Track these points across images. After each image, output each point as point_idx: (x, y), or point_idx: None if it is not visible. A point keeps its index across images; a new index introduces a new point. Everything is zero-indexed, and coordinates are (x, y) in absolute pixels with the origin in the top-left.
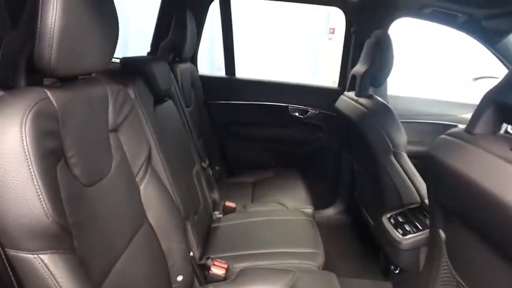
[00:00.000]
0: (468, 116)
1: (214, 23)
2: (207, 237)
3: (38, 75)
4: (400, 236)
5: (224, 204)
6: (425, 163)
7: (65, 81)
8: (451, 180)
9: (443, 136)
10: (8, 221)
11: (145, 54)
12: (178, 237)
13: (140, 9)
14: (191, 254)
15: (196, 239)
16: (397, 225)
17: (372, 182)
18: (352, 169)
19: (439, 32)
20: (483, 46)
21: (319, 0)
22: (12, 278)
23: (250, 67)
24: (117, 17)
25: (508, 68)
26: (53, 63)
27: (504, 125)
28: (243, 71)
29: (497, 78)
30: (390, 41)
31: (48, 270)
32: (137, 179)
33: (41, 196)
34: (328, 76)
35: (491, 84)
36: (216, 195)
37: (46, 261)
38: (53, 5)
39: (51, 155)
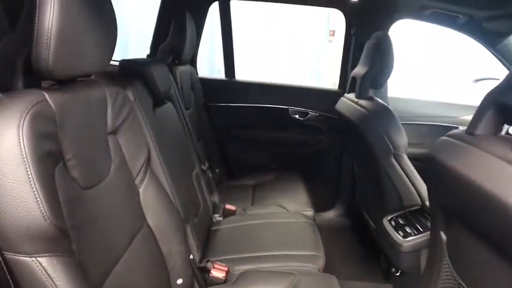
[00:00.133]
0: (469, 117)
1: (214, 23)
2: (207, 240)
3: (36, 77)
4: (401, 238)
5: (224, 207)
6: (426, 165)
7: (63, 83)
8: (452, 181)
9: (444, 138)
10: (5, 224)
11: (145, 56)
12: (177, 240)
13: (139, 10)
14: (191, 256)
15: (196, 241)
16: (397, 228)
17: (372, 184)
18: (353, 171)
19: (440, 33)
20: (484, 47)
21: (319, 2)
22: (10, 281)
23: (250, 69)
24: (115, 18)
25: (508, 69)
26: (51, 65)
27: (505, 126)
28: (243, 74)
29: (498, 79)
30: (390, 43)
31: (46, 273)
32: (136, 182)
33: (38, 199)
34: (328, 78)
35: (492, 85)
36: (216, 197)
37: (44, 264)
38: (50, 6)
39: (49, 157)
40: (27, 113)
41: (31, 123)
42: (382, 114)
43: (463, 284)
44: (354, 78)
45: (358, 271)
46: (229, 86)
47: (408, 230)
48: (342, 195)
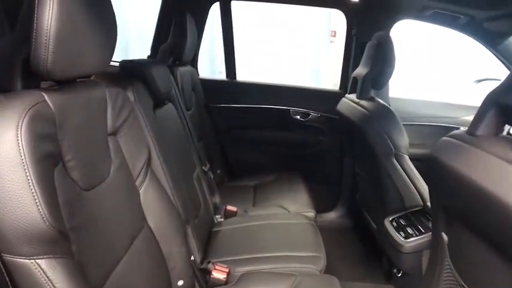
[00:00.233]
0: (470, 118)
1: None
2: (208, 241)
3: (35, 78)
4: (403, 239)
5: (225, 208)
6: (427, 165)
7: (62, 84)
8: (453, 182)
9: (445, 138)
10: (4, 225)
11: (145, 57)
12: (178, 241)
13: (140, 10)
14: (192, 258)
15: (197, 243)
16: (399, 228)
17: (373, 185)
18: (354, 172)
19: (441, 34)
20: (485, 48)
21: (320, 2)
22: (9, 283)
23: (251, 70)
24: (115, 19)
25: (510, 70)
26: (50, 65)
27: (506, 127)
28: (244, 74)
29: (499, 80)
30: (391, 43)
31: (45, 275)
32: (137, 183)
33: (37, 200)
34: (329, 79)
35: (493, 86)
36: (217, 199)
37: (43, 266)
38: (49, 6)
39: (48, 158)
40: (25, 114)
41: (30, 124)
42: (384, 115)
43: (465, 285)
44: (355, 79)
45: (359, 272)
46: (230, 87)
47: (410, 230)
48: (343, 196)
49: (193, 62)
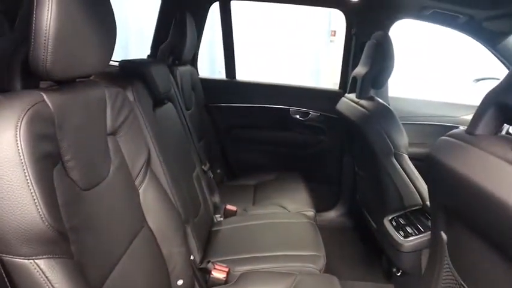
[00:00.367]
0: (469, 117)
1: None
2: (208, 241)
3: (34, 78)
4: (402, 238)
5: (225, 208)
6: (426, 165)
7: (62, 84)
8: (452, 181)
9: (444, 137)
10: (3, 226)
11: (145, 56)
12: (178, 241)
13: (140, 9)
14: (192, 257)
15: (197, 242)
16: (398, 228)
17: (373, 184)
18: (354, 171)
19: (440, 33)
20: (484, 47)
21: (319, 2)
22: (8, 284)
23: (251, 70)
24: (114, 18)
25: (508, 69)
26: (49, 65)
27: (505, 126)
28: (244, 74)
29: (498, 79)
30: (391, 43)
31: (45, 275)
32: (136, 183)
33: (36, 201)
34: (329, 78)
35: (492, 85)
36: (216, 198)
37: (42, 266)
38: (48, 6)
39: (47, 158)
40: (25, 114)
41: (29, 124)
42: (383, 114)
43: (464, 284)
44: (354, 78)
45: (359, 271)
46: (230, 87)
47: (409, 230)
48: (343, 196)
49: (193, 62)
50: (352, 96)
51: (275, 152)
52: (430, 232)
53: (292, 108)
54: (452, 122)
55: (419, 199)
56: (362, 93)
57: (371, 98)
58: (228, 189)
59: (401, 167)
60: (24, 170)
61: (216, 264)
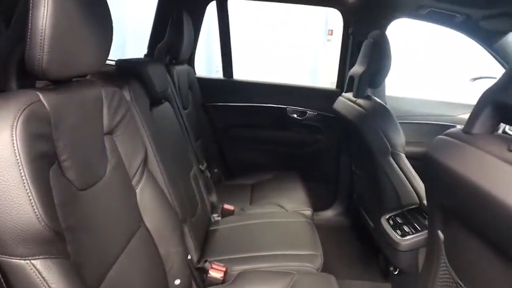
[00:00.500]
0: (466, 116)
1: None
2: (205, 240)
3: (30, 77)
4: (399, 237)
5: (222, 207)
6: (423, 163)
7: (58, 83)
8: (449, 180)
9: (441, 136)
10: None
11: (142, 55)
12: (175, 241)
13: (136, 8)
14: (189, 257)
15: (194, 242)
16: (395, 227)
17: (370, 183)
18: (351, 170)
19: (437, 32)
20: (481, 46)
21: (317, 1)
22: (4, 284)
23: (248, 69)
24: (110, 17)
25: (505, 68)
26: (45, 65)
27: (502, 125)
28: (241, 73)
29: (494, 78)
30: (388, 42)
31: (41, 275)
32: (133, 182)
33: (32, 201)
34: (326, 77)
35: (489, 84)
36: (214, 197)
37: (38, 266)
38: (44, 5)
39: (43, 158)
40: (20, 114)
41: (25, 124)
42: (380, 113)
43: (461, 283)
44: (351, 78)
45: (356, 270)
46: (227, 86)
47: (406, 228)
48: (340, 195)
49: (190, 61)
50: (349, 95)
51: (272, 151)
52: (427, 231)
53: (289, 108)
54: (449, 121)
55: (416, 198)
56: (359, 93)
57: (368, 97)
58: (226, 188)
59: (399, 166)
60: (20, 169)
61: (214, 264)
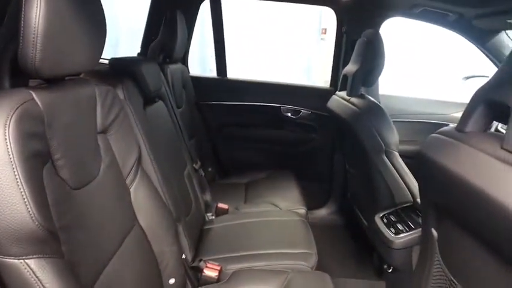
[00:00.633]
0: (459, 114)
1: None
2: (200, 239)
3: (23, 76)
4: (393, 235)
5: (217, 206)
6: (417, 162)
7: (51, 82)
8: (442, 178)
9: (434, 135)
10: None
11: (135, 54)
12: (169, 240)
13: (130, 7)
14: (183, 256)
15: (189, 241)
16: (389, 225)
17: (364, 182)
18: (345, 169)
19: (430, 31)
20: (473, 45)
21: (310, 0)
22: None
23: (242, 68)
24: (104, 16)
25: (497, 67)
26: (38, 63)
27: (494, 123)
28: (234, 72)
29: (487, 76)
30: (381, 41)
31: (35, 275)
32: (127, 181)
33: (26, 200)
34: (320, 76)
35: (482, 83)
36: (208, 196)
37: (32, 266)
38: (37, 3)
39: (36, 157)
40: (13, 113)
41: (18, 122)
42: (374, 112)
43: (454, 281)
44: (345, 76)
45: (350, 268)
46: (221, 85)
47: (400, 227)
48: (334, 193)
49: (184, 60)
50: (343, 94)
51: (266, 150)
52: (420, 229)
53: (283, 106)
54: (442, 120)
55: (410, 196)
56: (353, 91)
57: (362, 96)
58: (220, 187)
59: (392, 165)
60: (13, 169)
61: (208, 263)
